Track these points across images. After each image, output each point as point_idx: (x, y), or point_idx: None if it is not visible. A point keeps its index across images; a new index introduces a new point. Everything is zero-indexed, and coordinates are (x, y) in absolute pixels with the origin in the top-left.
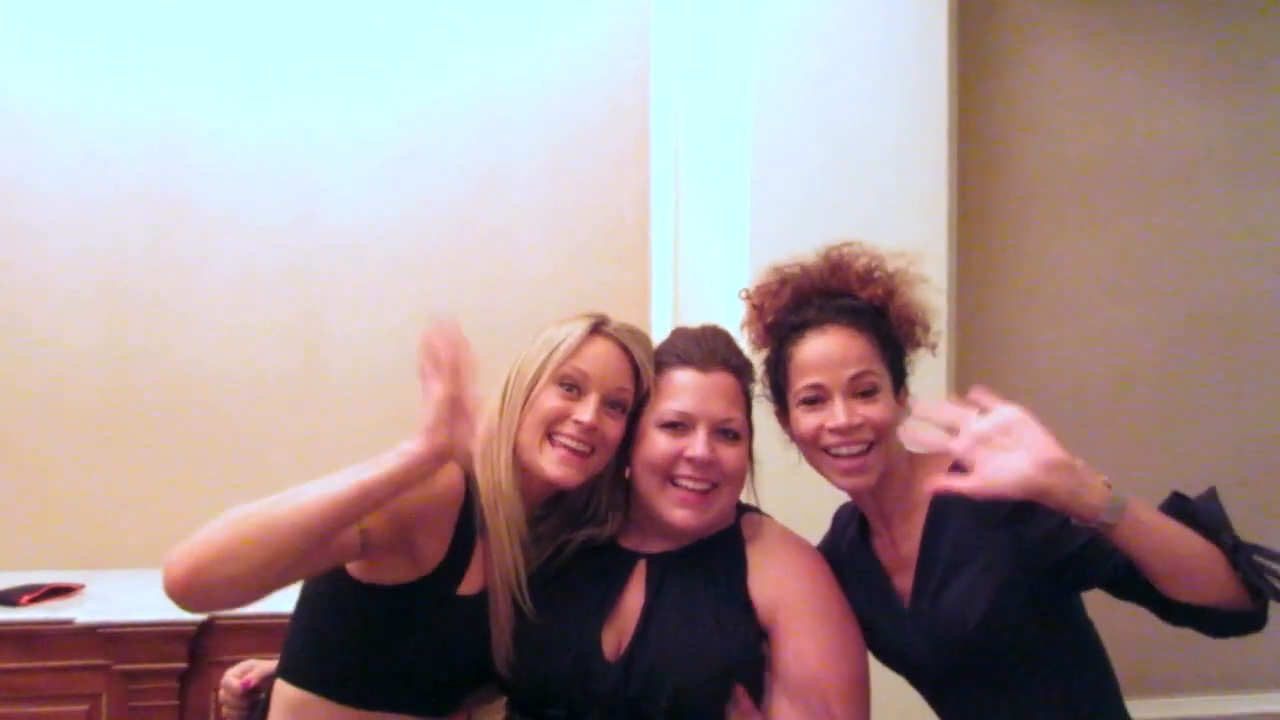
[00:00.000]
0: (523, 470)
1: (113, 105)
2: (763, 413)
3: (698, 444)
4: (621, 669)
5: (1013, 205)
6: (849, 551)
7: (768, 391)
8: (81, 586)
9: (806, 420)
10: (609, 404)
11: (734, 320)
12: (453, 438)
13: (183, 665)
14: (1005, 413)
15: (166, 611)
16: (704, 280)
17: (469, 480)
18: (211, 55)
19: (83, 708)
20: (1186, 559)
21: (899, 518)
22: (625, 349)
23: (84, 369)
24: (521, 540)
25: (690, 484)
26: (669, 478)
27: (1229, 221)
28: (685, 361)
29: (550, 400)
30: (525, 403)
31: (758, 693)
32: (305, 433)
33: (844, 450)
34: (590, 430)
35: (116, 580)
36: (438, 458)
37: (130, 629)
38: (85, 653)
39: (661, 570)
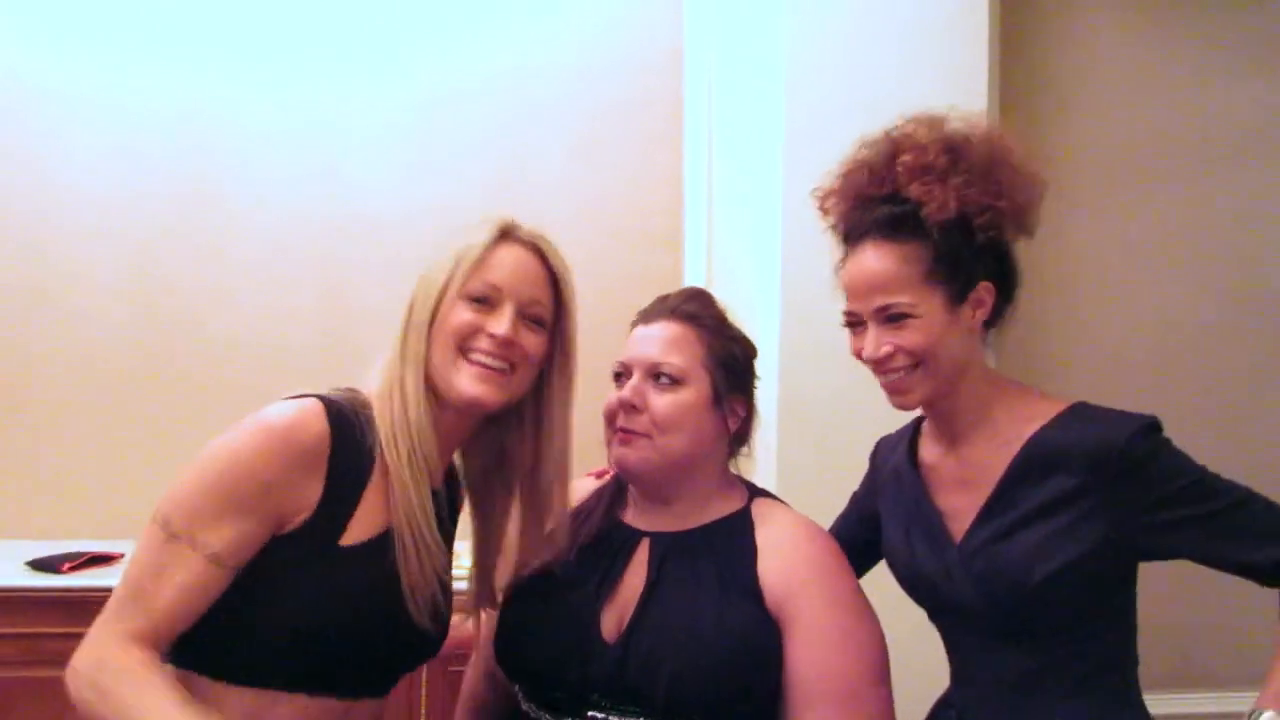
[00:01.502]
0: (438, 397)
1: (141, 90)
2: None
3: (626, 389)
4: (619, 652)
5: (1055, 185)
6: (892, 478)
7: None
8: (121, 556)
9: (852, 343)
10: (526, 318)
11: (768, 302)
12: None
13: None
14: None
15: None
16: (737, 263)
17: (343, 419)
18: (238, 37)
19: None
20: None
21: (969, 437)
22: (540, 254)
23: (120, 345)
24: (433, 478)
25: (622, 425)
26: (614, 428)
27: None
28: (639, 319)
29: (460, 315)
30: (432, 321)
31: (762, 683)
32: None
33: (882, 378)
34: (506, 344)
35: None
36: None
37: None
38: None
39: (665, 550)
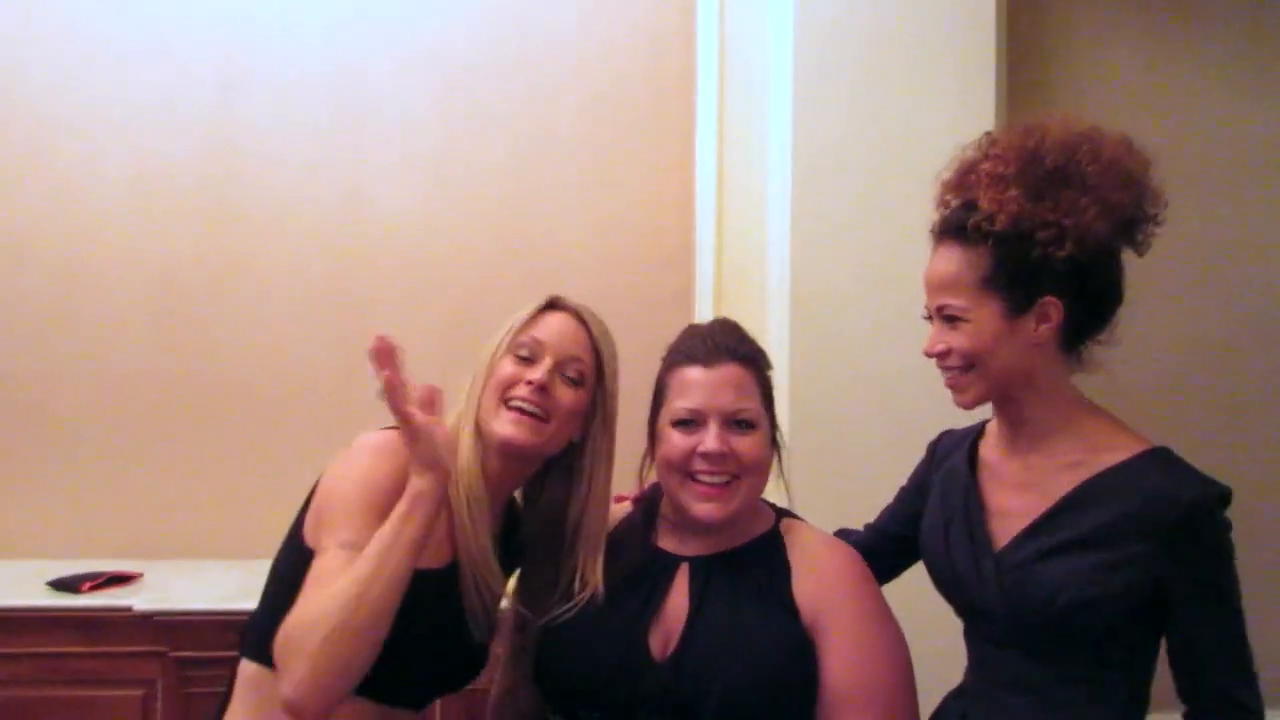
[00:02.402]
0: (484, 442)
1: (164, 111)
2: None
3: (709, 438)
4: (670, 668)
5: None
6: (946, 472)
7: None
8: (140, 575)
9: (930, 336)
10: (564, 374)
11: (778, 319)
12: (434, 448)
13: (236, 653)
14: None
15: (220, 601)
16: (747, 283)
17: None
18: (261, 60)
19: (139, 693)
20: None
21: (1041, 447)
22: (581, 320)
23: (142, 366)
24: (484, 513)
25: (709, 479)
26: (688, 474)
27: None
28: (691, 359)
29: (506, 368)
30: (486, 379)
31: (805, 697)
32: (351, 430)
33: (945, 375)
34: (540, 390)
35: (173, 570)
36: (434, 473)
37: (186, 617)
38: (142, 639)
39: (705, 573)
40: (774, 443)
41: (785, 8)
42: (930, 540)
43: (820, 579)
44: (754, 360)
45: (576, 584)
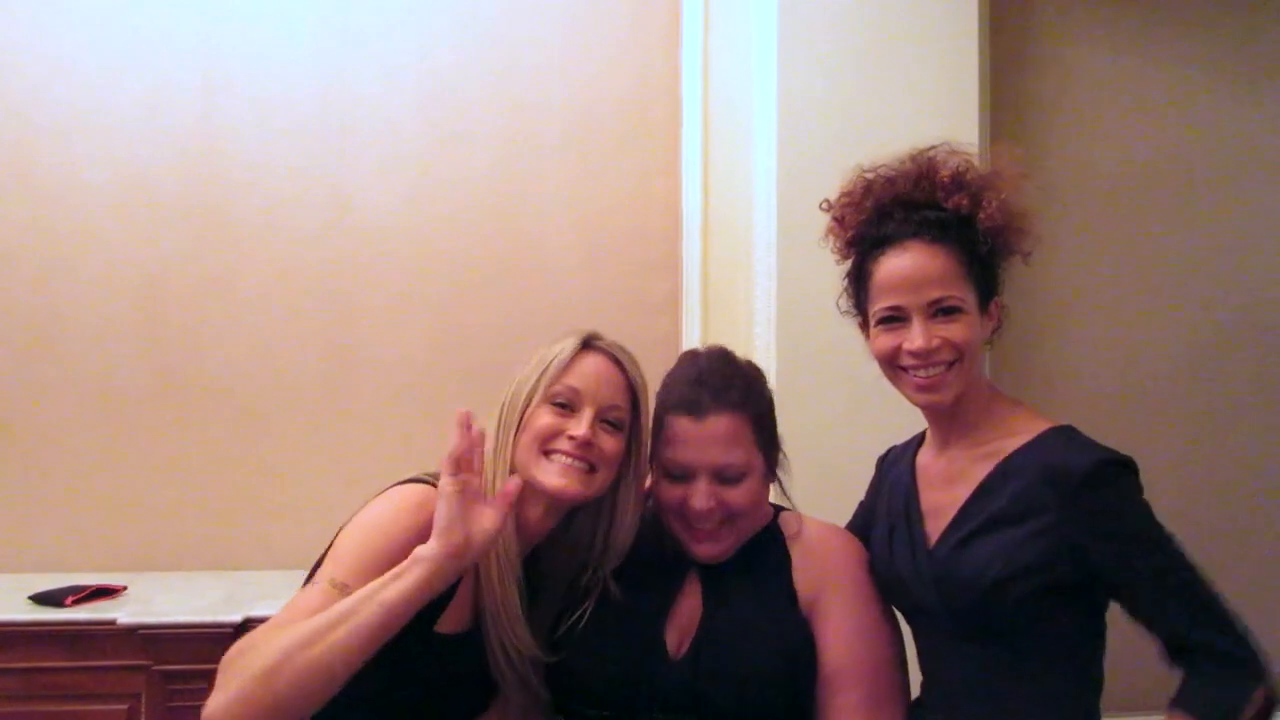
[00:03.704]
0: (524, 495)
1: (151, 115)
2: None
3: (698, 495)
4: (688, 664)
5: (1046, 209)
6: (891, 482)
7: (850, 305)
8: (124, 588)
9: (885, 340)
10: (604, 421)
11: (765, 329)
12: (469, 534)
13: None
14: None
15: (205, 614)
16: (732, 287)
17: None
18: (246, 63)
19: (123, 706)
20: None
21: (963, 440)
22: (618, 363)
23: (125, 376)
24: (516, 576)
25: (700, 525)
26: (683, 519)
27: (1270, 225)
28: (681, 408)
29: (543, 418)
30: (519, 425)
31: (811, 680)
32: (337, 440)
33: (921, 373)
34: (585, 445)
35: (158, 583)
36: (456, 557)
37: (170, 630)
38: (127, 653)
39: (714, 575)
40: (772, 474)
41: (769, 13)
42: (876, 548)
43: (818, 563)
44: (745, 405)
45: (586, 584)
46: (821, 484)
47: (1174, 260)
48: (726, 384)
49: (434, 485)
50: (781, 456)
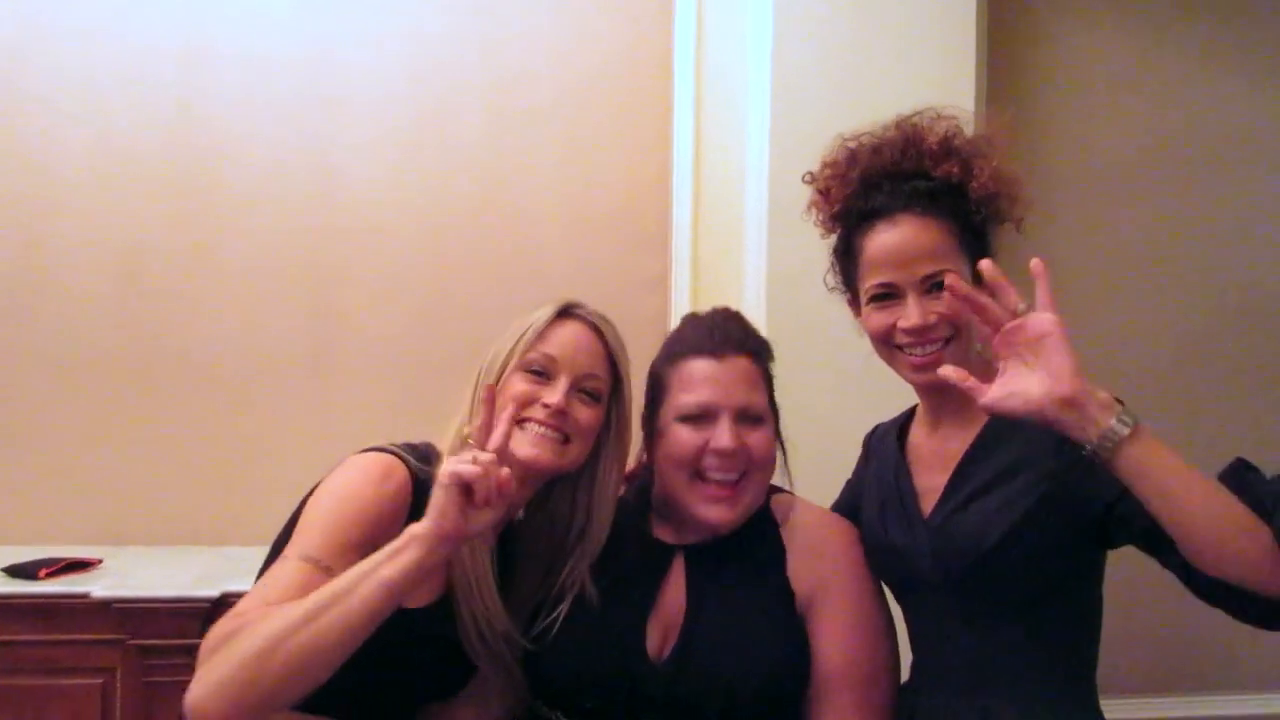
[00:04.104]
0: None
1: (131, 86)
2: (786, 398)
3: (722, 434)
4: (671, 668)
5: (1044, 192)
6: (877, 460)
7: (838, 281)
8: (99, 561)
9: (878, 318)
10: (580, 390)
11: (755, 306)
12: (465, 519)
13: (197, 641)
14: (1038, 323)
15: (182, 588)
16: (723, 265)
17: (417, 481)
18: (229, 36)
19: (98, 681)
20: (1208, 524)
21: (955, 416)
22: (597, 331)
23: (101, 349)
24: (489, 547)
25: (719, 475)
26: (696, 472)
27: (1270, 210)
28: (698, 350)
29: (517, 386)
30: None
31: (804, 680)
32: (319, 414)
33: (917, 350)
34: (559, 414)
35: (134, 556)
36: (448, 540)
37: (146, 604)
38: (101, 627)
39: (701, 564)
40: (778, 437)
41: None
42: (869, 525)
43: (815, 556)
44: (761, 353)
45: (564, 582)
46: (811, 462)
47: (1170, 244)
48: (743, 331)
49: (397, 455)
50: (783, 435)
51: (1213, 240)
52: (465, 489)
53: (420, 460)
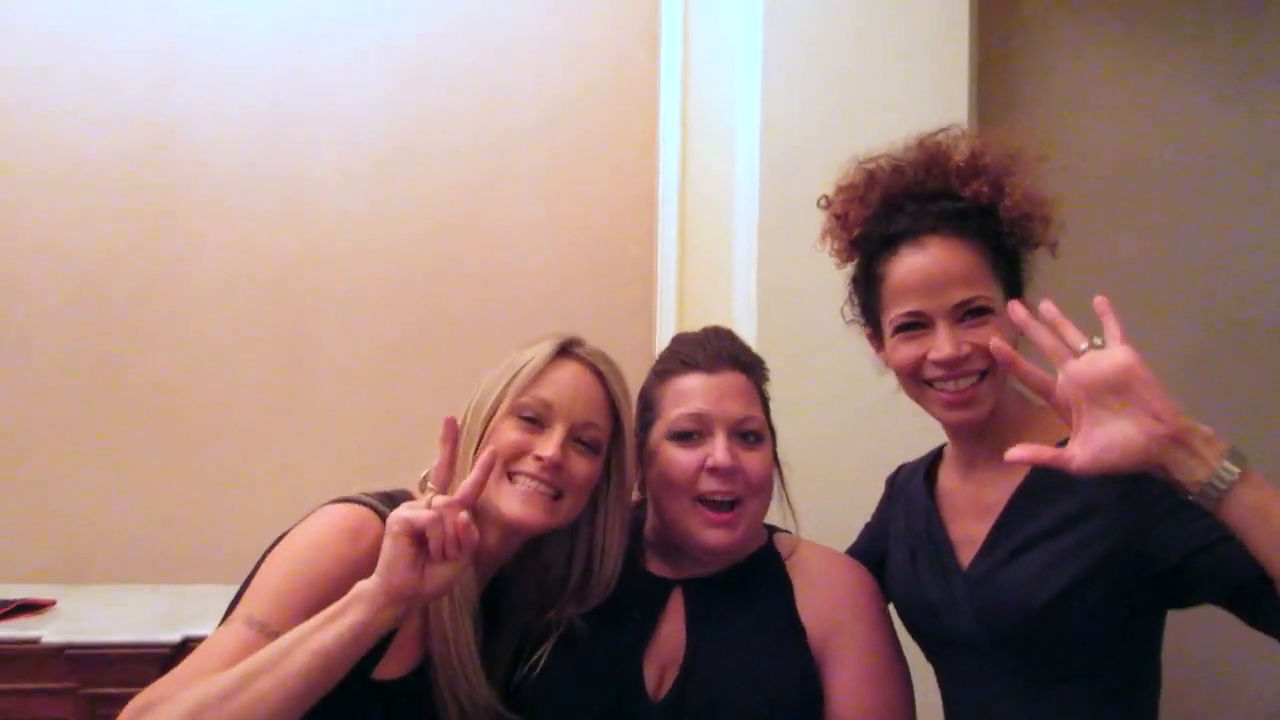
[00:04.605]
0: (479, 517)
1: (98, 104)
2: (782, 416)
3: (718, 449)
4: (671, 708)
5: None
6: (904, 505)
7: (857, 313)
8: (52, 603)
9: (905, 350)
10: (577, 440)
11: (746, 332)
12: (420, 577)
13: None
14: (1118, 360)
15: (139, 631)
16: (710, 293)
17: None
18: (197, 56)
19: None
20: None
21: (991, 460)
22: (598, 374)
23: (62, 372)
24: (472, 611)
25: (717, 496)
26: (694, 496)
27: (1260, 229)
28: (690, 366)
29: (509, 434)
30: (481, 437)
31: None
32: (290, 445)
33: (950, 385)
34: (553, 467)
35: (90, 596)
36: (400, 600)
37: (100, 650)
38: (52, 674)
39: (701, 598)
40: (776, 457)
41: (752, 9)
42: (899, 575)
43: (831, 597)
44: (755, 369)
45: (550, 621)
46: (807, 493)
47: (1163, 265)
48: (736, 347)
49: (371, 507)
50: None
51: (1203, 258)
52: (418, 539)
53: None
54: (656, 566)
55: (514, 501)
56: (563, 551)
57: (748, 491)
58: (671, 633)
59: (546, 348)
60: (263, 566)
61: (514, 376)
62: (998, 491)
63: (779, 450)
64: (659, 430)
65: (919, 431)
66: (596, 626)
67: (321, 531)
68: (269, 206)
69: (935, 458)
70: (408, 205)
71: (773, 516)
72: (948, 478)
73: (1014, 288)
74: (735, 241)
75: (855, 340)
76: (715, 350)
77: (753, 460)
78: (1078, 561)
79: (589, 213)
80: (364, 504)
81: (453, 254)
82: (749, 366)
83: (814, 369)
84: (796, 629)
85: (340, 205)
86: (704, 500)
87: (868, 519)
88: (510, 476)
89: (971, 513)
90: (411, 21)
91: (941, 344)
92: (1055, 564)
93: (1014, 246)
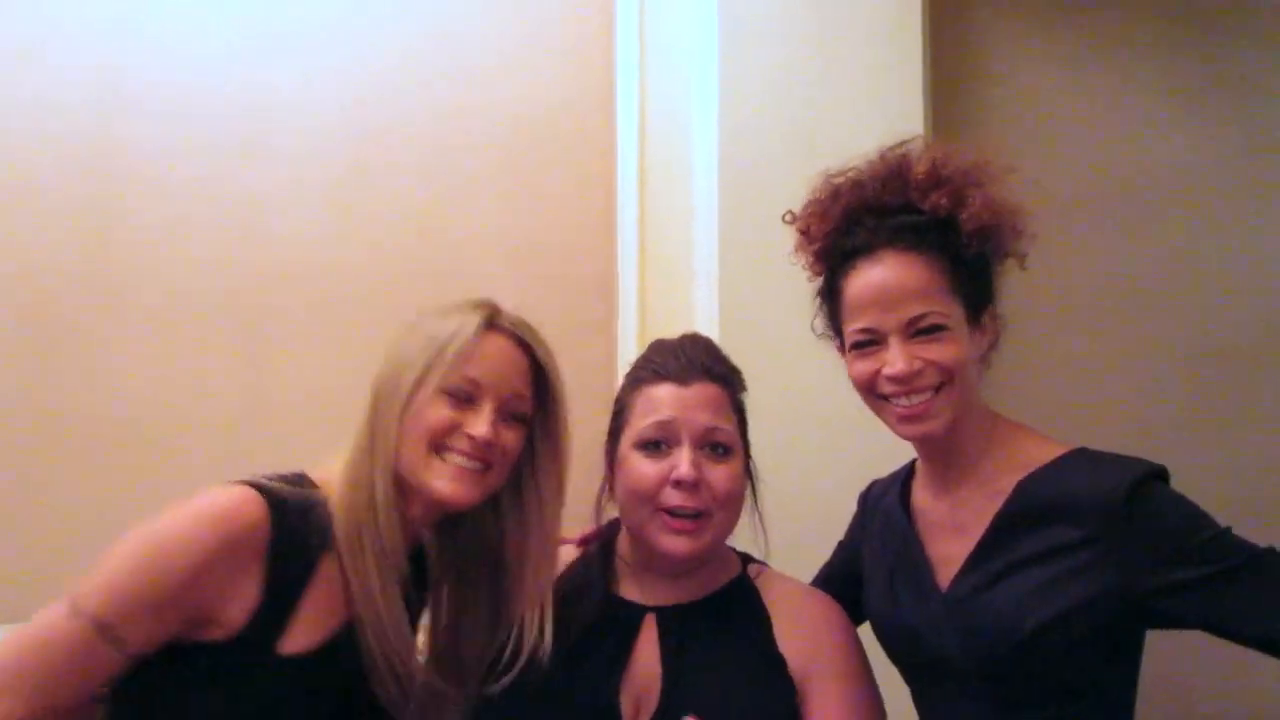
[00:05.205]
0: (406, 489)
1: (37, 110)
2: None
3: (683, 463)
4: None
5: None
6: (881, 523)
7: (826, 325)
8: None
9: (860, 365)
10: (506, 414)
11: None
12: None
13: None
14: None
15: None
16: (672, 308)
17: (284, 510)
18: (151, 69)
19: None
20: None
21: (969, 480)
22: (522, 344)
23: (4, 402)
24: (401, 577)
25: (679, 511)
26: (656, 506)
27: (1217, 246)
28: (661, 375)
29: (438, 411)
30: (404, 411)
31: None
32: (249, 469)
33: (904, 401)
34: (486, 446)
35: None
36: None
37: None
38: None
39: (675, 626)
40: (748, 473)
41: (709, 22)
42: (876, 598)
43: (807, 631)
44: (730, 381)
45: (515, 642)
46: (771, 507)
47: (1121, 284)
48: (711, 357)
49: (260, 488)
50: (755, 471)
51: (1163, 279)
52: None
53: (290, 494)
54: (629, 591)
55: (444, 480)
56: (495, 520)
57: (713, 505)
58: (645, 662)
59: (471, 323)
60: (113, 548)
61: (439, 353)
62: (973, 511)
63: (754, 463)
64: (627, 439)
65: (881, 446)
66: (569, 652)
67: (183, 516)
68: (221, 227)
69: (908, 474)
70: (365, 224)
71: (743, 529)
72: (921, 496)
73: (979, 300)
74: (695, 256)
75: (817, 354)
76: (689, 360)
77: (719, 473)
78: (1066, 593)
79: (548, 229)
80: (253, 484)
81: (410, 271)
82: (723, 377)
83: (776, 383)
84: (776, 660)
85: (295, 225)
86: (666, 511)
87: (831, 533)
88: (439, 452)
89: (948, 531)
90: (365, 41)
91: (894, 360)
92: (1041, 593)
93: (976, 259)
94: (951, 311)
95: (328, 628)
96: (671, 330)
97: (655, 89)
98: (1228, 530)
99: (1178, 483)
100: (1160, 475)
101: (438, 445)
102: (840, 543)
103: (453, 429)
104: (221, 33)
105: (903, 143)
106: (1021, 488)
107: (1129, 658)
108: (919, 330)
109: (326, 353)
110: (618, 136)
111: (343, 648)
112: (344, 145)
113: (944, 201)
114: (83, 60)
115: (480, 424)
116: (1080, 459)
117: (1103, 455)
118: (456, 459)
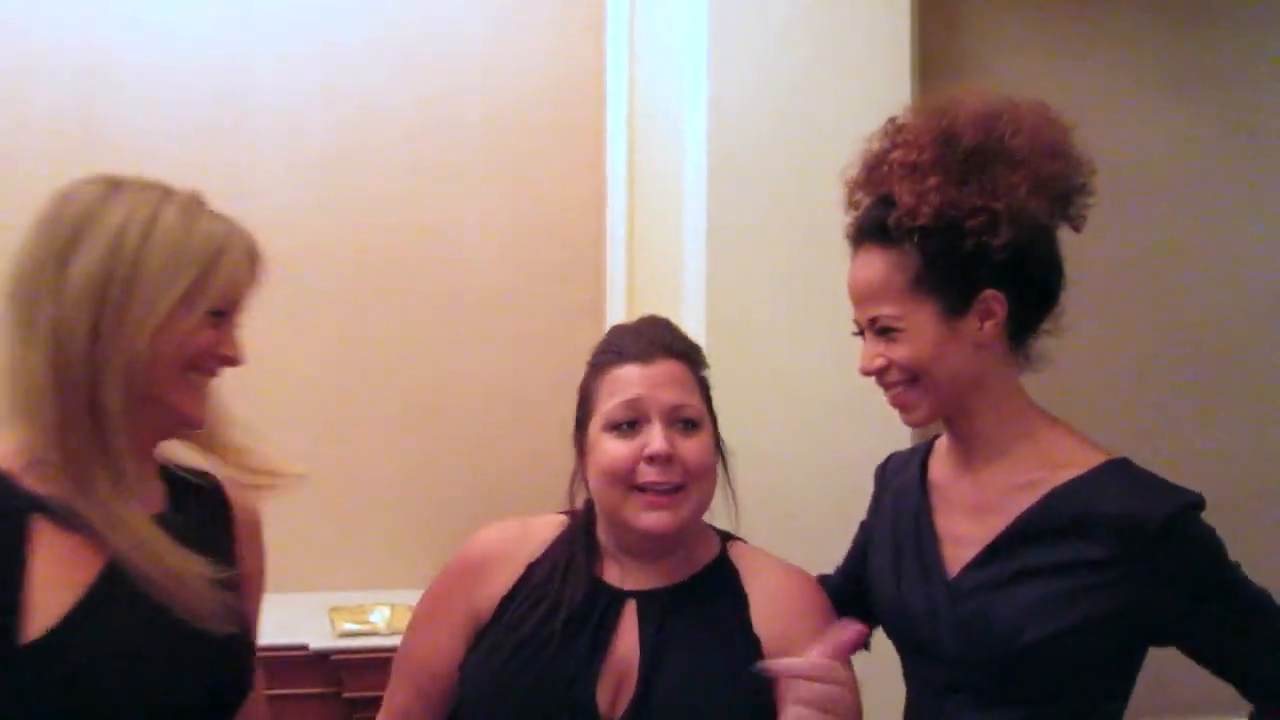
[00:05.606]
0: (154, 405)
1: (14, 92)
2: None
3: (654, 438)
4: None
5: None
6: (893, 496)
7: None
8: None
9: (860, 356)
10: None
11: (696, 330)
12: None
13: None
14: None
15: None
16: (660, 294)
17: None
18: (137, 60)
19: None
20: None
21: (996, 464)
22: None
23: None
24: (146, 498)
25: (655, 486)
26: (631, 486)
27: (1202, 234)
28: (624, 357)
29: (199, 330)
30: (157, 329)
31: None
32: None
33: (887, 392)
34: (229, 361)
35: None
36: None
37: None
38: None
39: (655, 611)
40: (719, 449)
41: (698, 9)
42: (880, 572)
43: (783, 610)
44: (692, 357)
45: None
46: (754, 491)
47: (1100, 271)
48: (671, 335)
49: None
50: (724, 445)
51: (1144, 266)
52: None
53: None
54: (610, 575)
55: (191, 402)
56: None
57: (688, 478)
58: (625, 648)
59: (239, 249)
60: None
61: (205, 273)
62: (995, 493)
63: (723, 439)
64: (596, 423)
65: (870, 431)
66: (546, 635)
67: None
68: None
69: (928, 450)
70: (350, 208)
71: (716, 503)
72: (941, 470)
73: (966, 289)
74: (684, 239)
75: (805, 338)
76: (649, 340)
77: (690, 447)
78: (1072, 610)
79: (537, 212)
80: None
81: (398, 255)
82: (684, 354)
83: (764, 366)
84: (753, 643)
85: (281, 207)
86: (642, 489)
87: (820, 518)
88: (196, 369)
89: (964, 509)
90: (353, 20)
91: (861, 355)
92: (1046, 605)
93: (949, 249)
94: (910, 310)
95: (73, 595)
96: (660, 312)
97: (645, 74)
98: (1239, 569)
99: (1160, 470)
100: (1198, 506)
101: (197, 365)
102: (862, 523)
103: (212, 350)
104: (204, 13)
105: (908, 112)
106: (1053, 495)
107: (1125, 674)
108: (879, 330)
109: (308, 335)
110: (607, 119)
111: (106, 601)
112: (325, 132)
113: (900, 192)
114: (64, 41)
115: (232, 344)
116: (1119, 475)
117: (1142, 476)
118: (200, 380)
